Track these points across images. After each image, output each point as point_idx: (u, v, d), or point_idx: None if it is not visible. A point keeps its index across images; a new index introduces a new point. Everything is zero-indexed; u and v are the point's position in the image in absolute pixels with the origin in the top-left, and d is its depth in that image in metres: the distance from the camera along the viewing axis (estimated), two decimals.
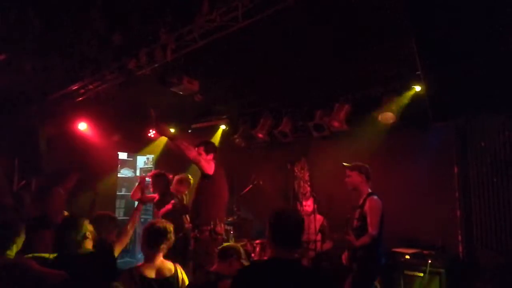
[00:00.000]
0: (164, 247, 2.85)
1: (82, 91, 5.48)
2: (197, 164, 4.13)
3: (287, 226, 2.14)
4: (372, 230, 3.77)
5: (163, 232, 2.84)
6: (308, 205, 5.41)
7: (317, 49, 4.29)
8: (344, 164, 4.20)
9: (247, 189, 5.42)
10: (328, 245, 5.28)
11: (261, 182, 5.46)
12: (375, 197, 3.96)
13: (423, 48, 3.89)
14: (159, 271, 2.80)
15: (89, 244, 2.74)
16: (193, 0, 3.62)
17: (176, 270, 2.88)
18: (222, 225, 4.21)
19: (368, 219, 3.83)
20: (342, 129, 5.48)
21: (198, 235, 4.11)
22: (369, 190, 4.05)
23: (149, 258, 2.83)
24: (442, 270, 4.42)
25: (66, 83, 5.39)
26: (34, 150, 6.43)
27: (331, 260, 4.93)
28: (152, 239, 2.83)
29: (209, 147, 4.33)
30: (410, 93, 4.90)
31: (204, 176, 4.23)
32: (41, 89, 5.72)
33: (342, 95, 5.52)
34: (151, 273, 2.76)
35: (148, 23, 3.96)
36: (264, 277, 2.01)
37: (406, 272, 4.59)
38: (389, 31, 3.82)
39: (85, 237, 2.72)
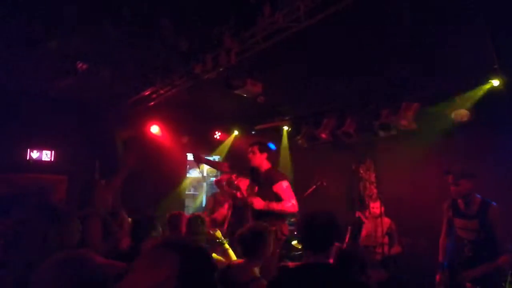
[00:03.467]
0: None
1: (154, 96, 5.84)
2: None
3: (313, 230, 2.13)
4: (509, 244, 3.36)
5: None
6: (376, 207, 5.24)
7: (383, 44, 4.15)
8: (450, 172, 3.63)
9: (310, 190, 5.37)
10: (396, 249, 5.07)
11: (324, 184, 5.37)
12: (495, 204, 3.49)
13: (500, 40, 3.61)
14: None
15: None
16: (255, 3, 3.70)
17: None
18: (287, 225, 4.21)
19: (498, 232, 3.39)
20: (410, 128, 5.23)
21: None
22: (480, 197, 3.57)
23: None
24: None
25: (139, 89, 5.79)
26: (112, 151, 6.97)
27: (399, 266, 4.73)
28: None
29: (263, 147, 4.38)
30: (486, 88, 4.55)
31: None
32: (117, 95, 6.19)
33: (410, 92, 5.28)
34: None
35: (212, 28, 4.12)
36: (295, 283, 2.04)
37: None
38: (463, 21, 3.59)
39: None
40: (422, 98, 5.20)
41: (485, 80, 4.53)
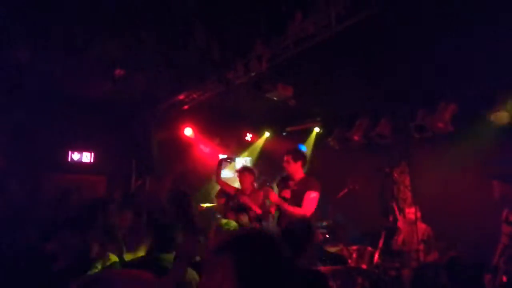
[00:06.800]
0: None
1: (187, 100, 5.99)
2: None
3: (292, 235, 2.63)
4: None
5: None
6: (411, 212, 5.11)
7: (417, 43, 4.03)
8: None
9: (342, 193, 5.30)
10: (433, 256, 4.92)
11: (357, 187, 5.29)
12: None
13: None
14: None
15: None
16: (285, 10, 3.71)
17: None
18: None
19: None
20: (447, 130, 5.07)
21: None
22: None
23: None
24: None
25: (173, 93, 5.95)
26: (147, 153, 7.19)
27: (437, 272, 4.60)
28: None
29: (296, 155, 4.38)
30: None
31: None
32: (153, 99, 6.38)
33: (447, 93, 5.11)
34: None
35: (243, 35, 4.17)
36: None
37: None
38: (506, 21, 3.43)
39: None
40: (460, 100, 5.02)
41: None
